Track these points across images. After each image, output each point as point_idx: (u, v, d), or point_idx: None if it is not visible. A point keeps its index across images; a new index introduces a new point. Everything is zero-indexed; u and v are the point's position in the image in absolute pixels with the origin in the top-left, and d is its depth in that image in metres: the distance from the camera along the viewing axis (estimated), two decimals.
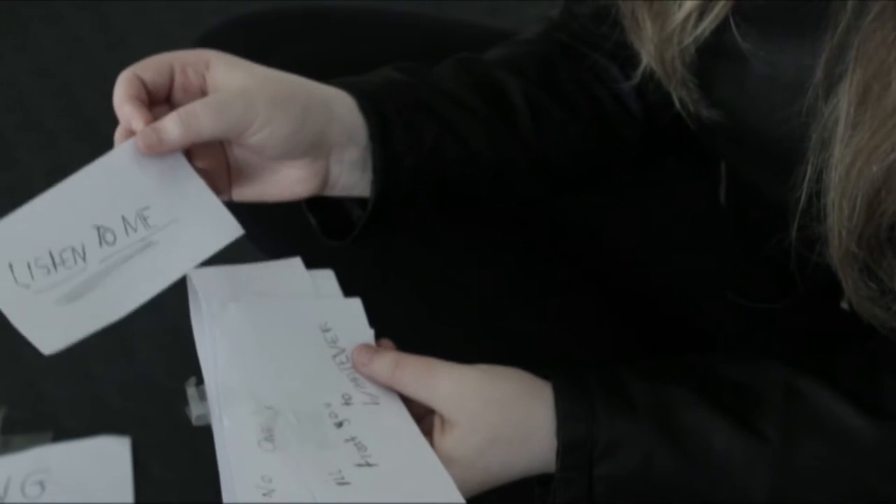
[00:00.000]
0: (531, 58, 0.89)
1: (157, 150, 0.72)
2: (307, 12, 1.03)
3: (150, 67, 0.75)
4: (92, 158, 0.73)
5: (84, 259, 0.71)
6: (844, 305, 0.80)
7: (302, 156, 0.76)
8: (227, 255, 0.75)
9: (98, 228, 0.72)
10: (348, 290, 0.78)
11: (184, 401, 0.72)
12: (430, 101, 0.82)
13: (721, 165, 0.92)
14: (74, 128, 1.51)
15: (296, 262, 0.78)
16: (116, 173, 0.73)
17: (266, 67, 0.76)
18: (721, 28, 0.74)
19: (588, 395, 0.73)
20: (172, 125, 0.72)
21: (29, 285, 0.70)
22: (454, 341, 0.90)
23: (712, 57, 0.75)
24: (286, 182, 0.78)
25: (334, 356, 0.75)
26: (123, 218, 0.73)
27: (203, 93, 0.75)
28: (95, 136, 1.41)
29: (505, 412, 0.72)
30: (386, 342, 0.76)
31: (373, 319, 0.77)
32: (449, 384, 0.72)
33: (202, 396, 0.72)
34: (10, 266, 0.70)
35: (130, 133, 0.73)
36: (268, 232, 0.93)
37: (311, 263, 0.79)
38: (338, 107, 0.78)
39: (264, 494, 0.66)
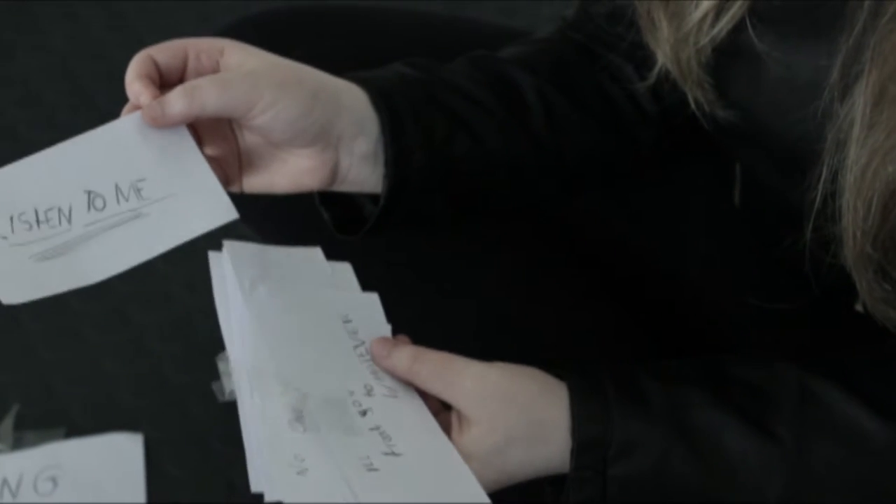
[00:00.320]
0: (545, 56, 0.88)
1: (161, 123, 0.73)
2: (320, 11, 1.03)
3: (165, 50, 0.75)
4: None
5: (69, 221, 0.71)
6: (859, 307, 0.79)
7: (310, 143, 0.76)
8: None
9: (89, 193, 0.72)
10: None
11: (214, 376, 0.70)
12: (441, 96, 0.82)
13: (736, 166, 0.91)
14: (88, 125, 1.50)
15: (316, 252, 0.78)
16: (117, 142, 0.73)
17: (280, 57, 0.77)
18: (737, 29, 0.74)
19: (603, 396, 0.73)
20: (176, 98, 0.73)
21: (6, 237, 0.70)
22: (466, 345, 0.90)
23: (728, 58, 0.75)
24: (295, 172, 0.78)
25: (355, 347, 0.75)
26: (117, 186, 0.73)
27: None
28: None
29: (525, 412, 0.72)
30: (402, 338, 0.76)
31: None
32: (469, 381, 0.72)
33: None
34: None
35: (138, 109, 0.74)
36: (277, 227, 0.93)
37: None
38: (348, 98, 0.78)
39: (298, 473, 0.66)
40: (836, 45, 0.69)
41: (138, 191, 0.73)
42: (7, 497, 1.14)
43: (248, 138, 0.78)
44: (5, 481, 1.16)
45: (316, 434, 0.68)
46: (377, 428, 0.70)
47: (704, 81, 0.76)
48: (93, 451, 1.19)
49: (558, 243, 0.97)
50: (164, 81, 0.75)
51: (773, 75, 0.73)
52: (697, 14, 0.74)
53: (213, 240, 0.76)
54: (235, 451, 1.20)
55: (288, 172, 0.78)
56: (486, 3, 1.64)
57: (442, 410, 0.74)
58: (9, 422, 1.20)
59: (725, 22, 0.73)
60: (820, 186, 0.71)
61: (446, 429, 0.73)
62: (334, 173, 0.78)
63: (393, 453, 0.69)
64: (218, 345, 1.23)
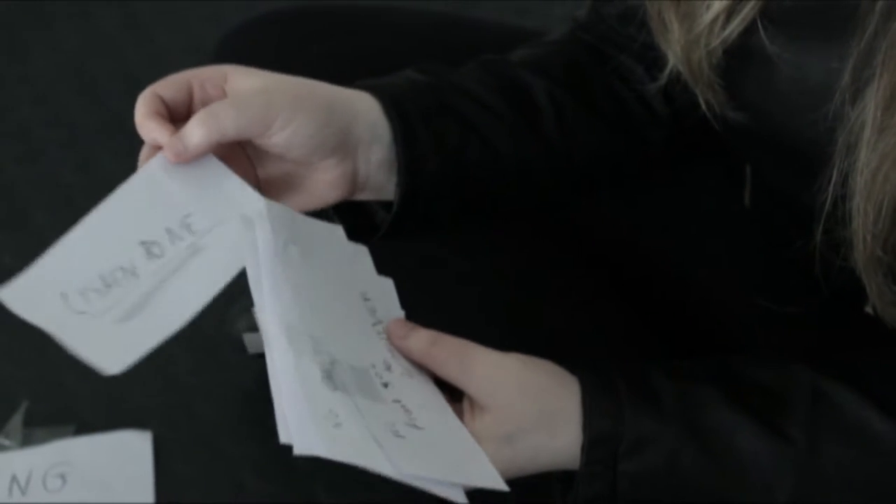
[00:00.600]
0: (556, 58, 0.88)
1: (185, 157, 0.72)
2: (331, 10, 1.04)
3: (169, 85, 0.75)
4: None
5: (135, 275, 0.71)
6: (869, 309, 0.79)
7: (329, 155, 0.76)
8: None
9: (144, 244, 0.72)
10: None
11: (237, 328, 0.68)
12: (453, 102, 0.82)
13: (746, 168, 0.91)
14: (101, 123, 1.52)
15: (338, 229, 0.78)
16: (150, 188, 0.73)
17: (284, 74, 0.77)
18: (748, 30, 0.73)
19: (615, 392, 0.73)
20: (194, 128, 0.72)
21: (86, 311, 0.69)
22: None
23: (739, 59, 0.75)
24: (318, 189, 0.78)
25: (373, 325, 0.75)
26: (167, 229, 0.72)
27: None
28: (122, 132, 1.42)
29: (539, 403, 0.73)
30: (416, 325, 0.76)
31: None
32: (486, 368, 0.72)
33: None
34: (64, 296, 0.69)
35: (156, 149, 0.74)
36: None
37: None
38: (360, 105, 0.78)
39: (335, 426, 0.65)
40: (848, 47, 0.69)
41: (188, 226, 0.73)
42: (16, 494, 1.15)
43: (267, 165, 0.78)
44: (14, 478, 1.16)
45: (346, 394, 0.68)
46: (398, 401, 0.70)
47: (715, 83, 0.76)
48: (102, 449, 1.19)
49: (567, 243, 0.97)
50: (174, 116, 0.75)
51: (784, 77, 0.73)
52: (709, 15, 0.74)
53: None
54: (244, 451, 1.20)
55: (309, 190, 0.78)
56: (501, 2, 1.64)
57: (452, 402, 0.74)
58: (18, 419, 1.21)
59: (737, 24, 0.73)
60: (830, 189, 0.71)
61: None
62: (353, 183, 0.78)
63: (415, 426, 0.69)
64: (228, 343, 1.24)
